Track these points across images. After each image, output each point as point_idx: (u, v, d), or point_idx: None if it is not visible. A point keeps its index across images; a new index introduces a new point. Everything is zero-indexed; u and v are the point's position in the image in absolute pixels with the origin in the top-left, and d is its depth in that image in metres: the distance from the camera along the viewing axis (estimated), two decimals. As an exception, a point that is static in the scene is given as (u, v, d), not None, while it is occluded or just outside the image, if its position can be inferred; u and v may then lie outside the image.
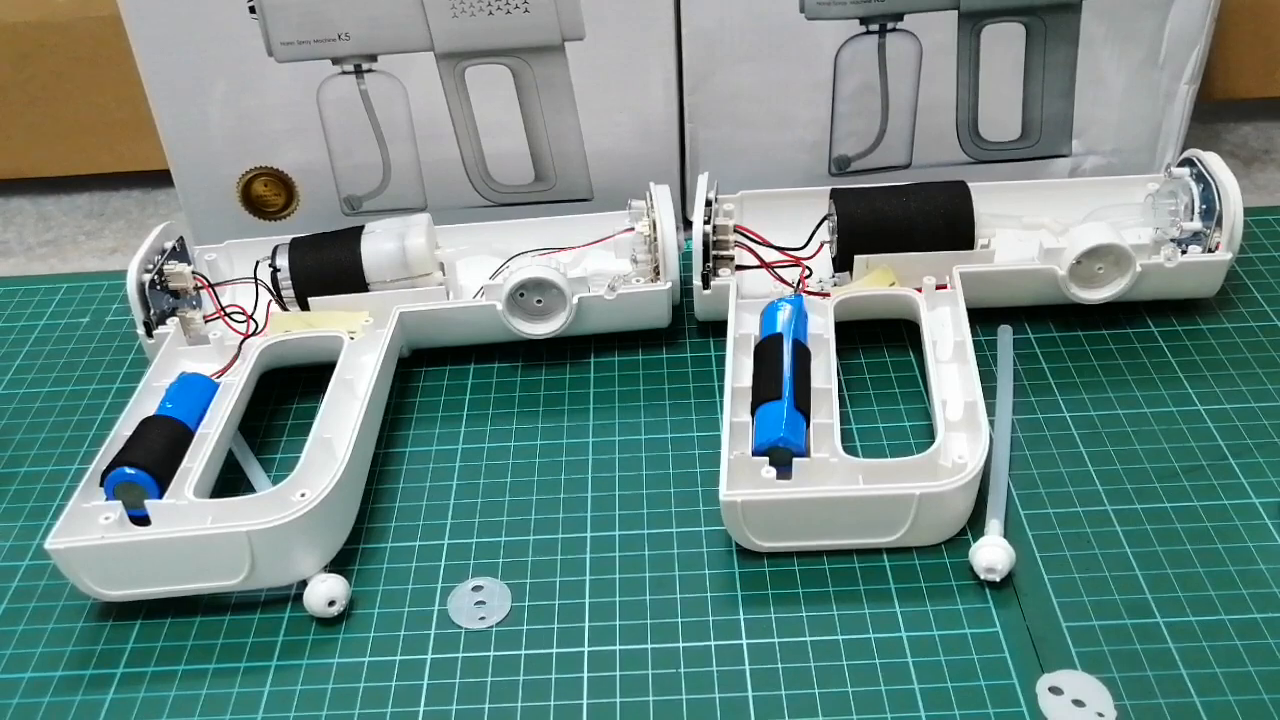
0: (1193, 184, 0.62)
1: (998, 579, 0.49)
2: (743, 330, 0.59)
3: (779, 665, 0.47)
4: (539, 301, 0.62)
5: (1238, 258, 0.61)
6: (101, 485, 0.52)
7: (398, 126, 0.70)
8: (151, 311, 0.61)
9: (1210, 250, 0.61)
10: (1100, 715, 0.44)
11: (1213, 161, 0.61)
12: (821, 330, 0.59)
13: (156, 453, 0.53)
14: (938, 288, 0.61)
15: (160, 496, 0.52)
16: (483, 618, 0.50)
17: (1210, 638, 0.46)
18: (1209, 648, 0.46)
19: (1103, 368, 0.60)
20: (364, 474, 0.56)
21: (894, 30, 0.68)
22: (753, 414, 0.54)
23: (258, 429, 0.60)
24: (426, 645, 0.49)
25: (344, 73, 0.68)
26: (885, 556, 0.51)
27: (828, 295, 0.61)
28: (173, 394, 0.57)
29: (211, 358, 0.61)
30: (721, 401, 0.57)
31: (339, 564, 0.52)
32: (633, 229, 0.64)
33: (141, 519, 0.51)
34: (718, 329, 0.62)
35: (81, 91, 0.79)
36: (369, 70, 0.68)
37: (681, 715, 0.45)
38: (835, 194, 0.63)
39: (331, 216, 0.73)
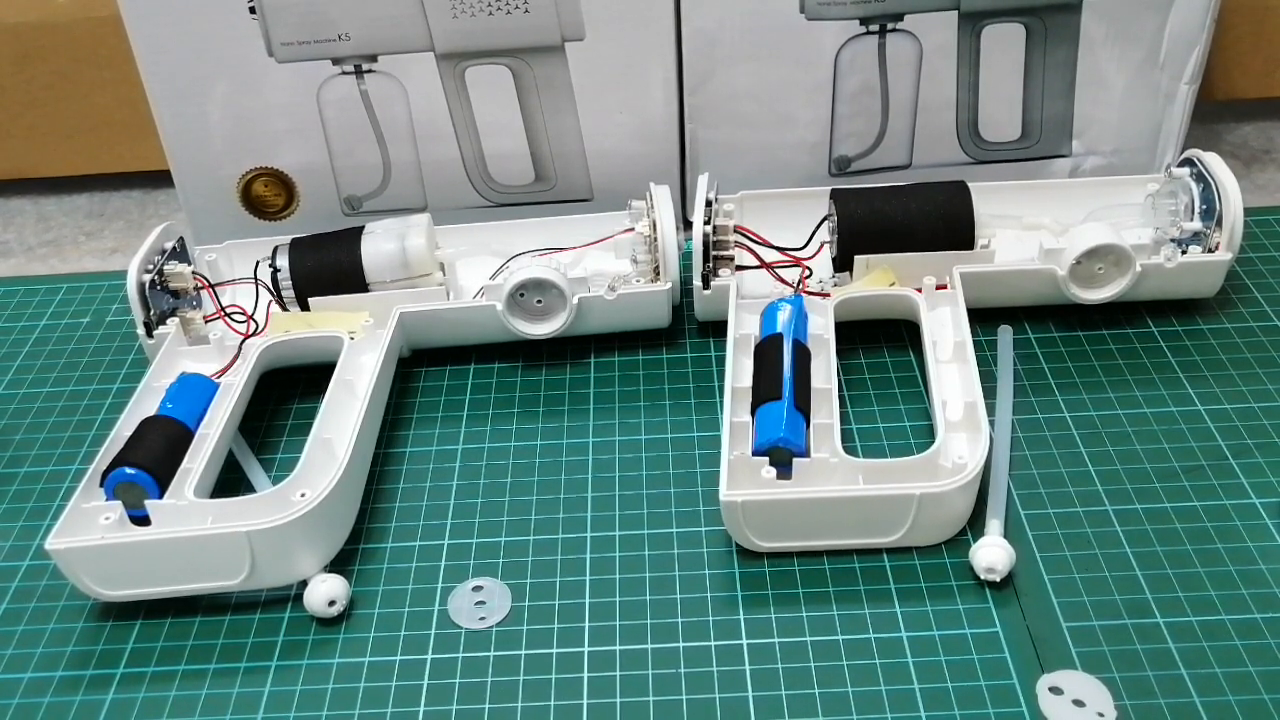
0: (1193, 184, 0.62)
1: (998, 579, 0.49)
2: (743, 330, 0.59)
3: (779, 665, 0.47)
4: (539, 302, 0.62)
5: (1238, 258, 0.61)
6: (101, 485, 0.52)
7: (398, 127, 0.70)
8: (151, 312, 0.61)
9: (1210, 250, 0.61)
10: (1100, 715, 0.44)
11: (1213, 162, 0.61)
12: (821, 330, 0.59)
13: (156, 453, 0.53)
14: (938, 288, 0.61)
15: (160, 496, 0.52)
16: (483, 618, 0.50)
17: (1210, 638, 0.46)
18: (1209, 648, 0.46)
19: (1103, 368, 0.60)
20: (364, 474, 0.56)
21: (894, 31, 0.68)
22: (753, 414, 0.54)
23: (258, 429, 0.60)
24: (427, 645, 0.49)
25: (344, 73, 0.68)
26: (885, 556, 0.51)
27: (828, 295, 0.61)
28: (173, 394, 0.57)
29: (211, 358, 0.61)
30: (721, 401, 0.57)
31: (339, 564, 0.52)
32: (633, 229, 0.64)
33: (141, 519, 0.51)
34: (718, 329, 0.62)
35: (81, 91, 0.79)
36: (369, 70, 0.68)
37: (681, 715, 0.45)
38: (835, 194, 0.63)
39: (331, 217, 0.73)
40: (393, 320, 0.61)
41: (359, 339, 0.61)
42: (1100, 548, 0.51)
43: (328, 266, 0.63)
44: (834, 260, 0.63)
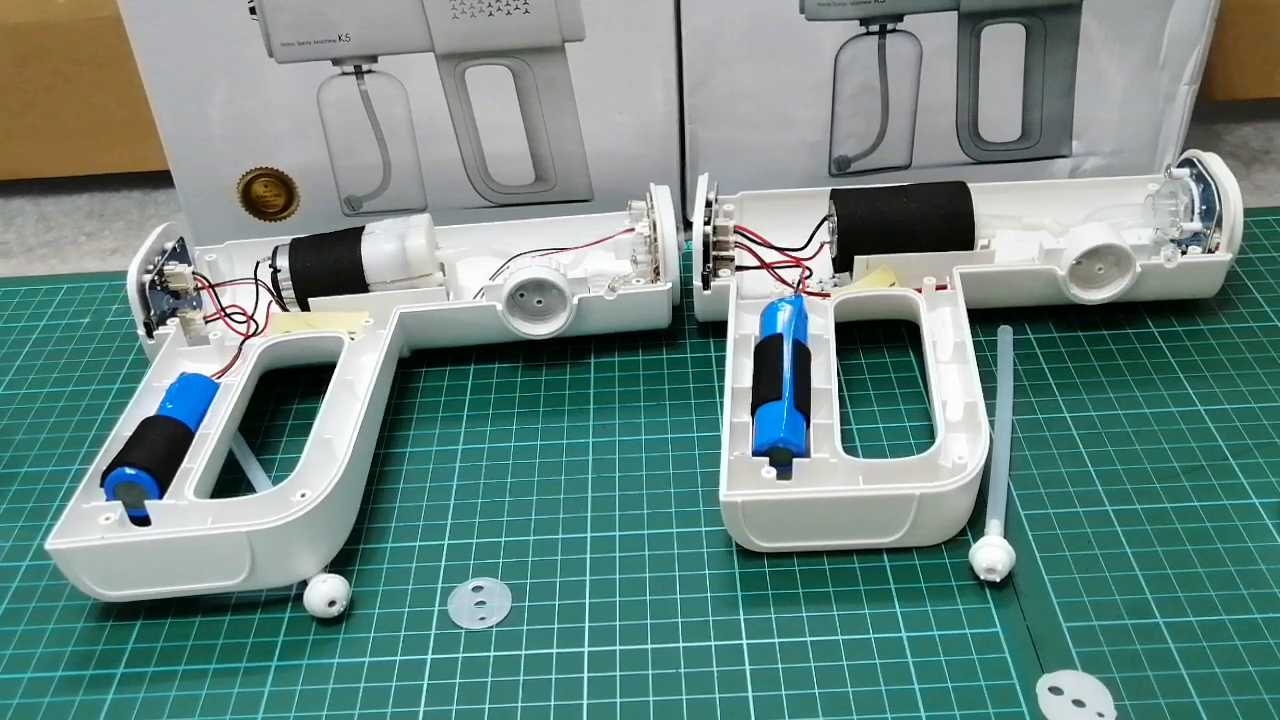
0: (1193, 184, 0.62)
1: (998, 579, 0.49)
2: (743, 331, 0.59)
3: (779, 665, 0.47)
4: (539, 302, 0.62)
5: (1238, 258, 0.61)
6: (101, 485, 0.52)
7: (398, 127, 0.70)
8: (152, 312, 0.61)
9: (1210, 251, 0.61)
10: (1100, 715, 0.44)
11: (1213, 162, 0.61)
12: (821, 330, 0.59)
13: (157, 453, 0.53)
14: (938, 288, 0.61)
15: (160, 497, 0.52)
16: (483, 618, 0.50)
17: (1210, 638, 0.46)
18: (1209, 648, 0.46)
19: (1103, 368, 0.60)
20: (364, 474, 0.56)
21: (894, 31, 0.68)
22: (753, 414, 0.54)
23: (258, 429, 0.60)
24: (427, 645, 0.49)
25: (344, 73, 0.68)
26: (885, 556, 0.51)
27: (828, 296, 0.61)
28: (173, 394, 0.57)
29: (212, 358, 0.61)
30: (721, 402, 0.57)
31: (339, 564, 0.52)
32: (633, 229, 0.64)
33: (142, 519, 0.51)
34: (718, 329, 0.62)
35: (81, 92, 0.79)
36: (369, 71, 0.68)
37: (681, 715, 0.45)
38: (835, 194, 0.63)
39: (331, 217, 0.73)
40: (393, 320, 0.61)
41: (359, 339, 0.61)
42: (1100, 548, 0.51)
43: (328, 267, 0.63)
44: (834, 260, 0.63)
